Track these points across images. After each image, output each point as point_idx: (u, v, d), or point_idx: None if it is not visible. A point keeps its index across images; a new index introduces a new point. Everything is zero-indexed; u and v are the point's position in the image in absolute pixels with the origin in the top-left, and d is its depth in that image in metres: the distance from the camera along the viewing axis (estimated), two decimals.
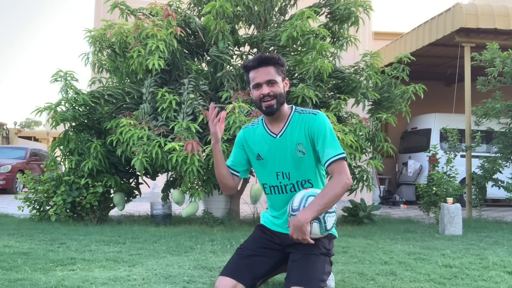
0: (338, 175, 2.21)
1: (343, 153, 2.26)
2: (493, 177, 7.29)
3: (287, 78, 2.41)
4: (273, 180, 2.37)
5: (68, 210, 5.74)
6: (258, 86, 2.31)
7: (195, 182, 5.58)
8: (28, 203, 5.95)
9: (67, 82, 5.62)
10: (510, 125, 7.34)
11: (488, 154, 8.52)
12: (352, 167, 6.06)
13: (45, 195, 5.85)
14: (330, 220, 2.20)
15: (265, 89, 2.28)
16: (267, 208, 2.59)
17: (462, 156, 8.31)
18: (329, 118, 5.55)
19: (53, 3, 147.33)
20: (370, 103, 6.89)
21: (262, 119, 2.47)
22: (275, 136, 2.37)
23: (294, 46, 6.09)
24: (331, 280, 2.78)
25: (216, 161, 2.45)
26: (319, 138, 2.27)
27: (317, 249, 2.23)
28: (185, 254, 3.84)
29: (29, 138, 31.62)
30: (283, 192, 2.36)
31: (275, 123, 2.38)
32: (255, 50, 6.63)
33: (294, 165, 2.32)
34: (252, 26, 6.78)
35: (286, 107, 2.38)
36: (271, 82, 2.30)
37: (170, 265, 3.35)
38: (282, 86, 2.33)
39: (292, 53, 6.15)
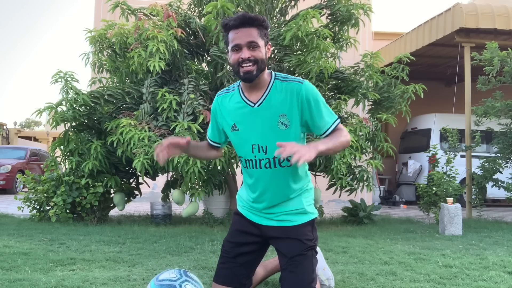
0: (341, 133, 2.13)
1: (338, 118, 2.18)
2: (493, 177, 7.29)
3: (269, 43, 2.17)
4: (248, 153, 2.17)
5: (68, 211, 5.74)
6: (237, 48, 2.06)
7: (196, 183, 5.58)
8: (28, 203, 5.95)
9: (67, 82, 5.62)
10: (510, 125, 7.35)
11: (488, 154, 8.52)
12: (352, 167, 6.07)
13: (45, 195, 5.85)
14: None
15: (246, 53, 2.04)
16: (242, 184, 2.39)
17: (462, 156, 8.30)
18: None
19: (53, 3, 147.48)
20: (370, 103, 6.89)
21: (238, 85, 2.22)
22: (253, 105, 2.14)
23: (296, 46, 6.09)
24: (331, 280, 2.78)
25: (195, 153, 2.42)
26: (312, 108, 2.11)
27: (302, 246, 2.12)
28: (185, 254, 3.84)
29: (29, 138, 31.56)
30: (257, 167, 2.16)
31: (254, 91, 2.14)
32: None
33: (273, 138, 2.08)
34: None
35: (266, 73, 2.15)
36: (252, 45, 2.05)
37: (170, 265, 3.35)
38: (264, 51, 2.09)
39: (295, 53, 6.15)
